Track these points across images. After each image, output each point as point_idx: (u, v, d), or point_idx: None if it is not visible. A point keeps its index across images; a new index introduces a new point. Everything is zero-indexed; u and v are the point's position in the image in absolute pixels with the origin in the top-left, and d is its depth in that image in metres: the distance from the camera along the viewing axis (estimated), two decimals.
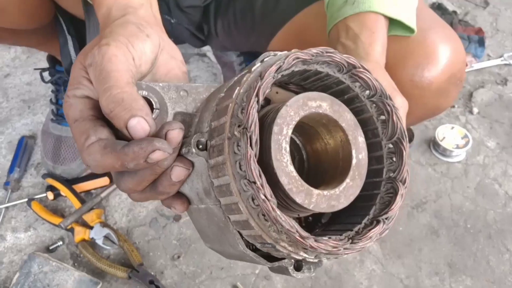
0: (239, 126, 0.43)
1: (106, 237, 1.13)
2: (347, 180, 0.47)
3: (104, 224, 1.16)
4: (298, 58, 0.46)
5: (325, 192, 0.46)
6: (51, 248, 1.15)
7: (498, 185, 1.40)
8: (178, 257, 1.13)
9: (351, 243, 0.45)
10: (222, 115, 0.45)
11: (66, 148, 1.26)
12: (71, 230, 1.15)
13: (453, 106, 1.62)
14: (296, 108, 0.47)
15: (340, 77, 0.50)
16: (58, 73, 1.28)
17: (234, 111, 0.44)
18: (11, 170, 1.27)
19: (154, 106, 0.50)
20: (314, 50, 0.47)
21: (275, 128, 0.45)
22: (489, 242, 1.26)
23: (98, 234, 1.14)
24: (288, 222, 0.42)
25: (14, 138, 1.36)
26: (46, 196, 1.22)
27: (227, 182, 0.44)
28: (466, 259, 1.23)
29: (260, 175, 0.42)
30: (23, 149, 1.31)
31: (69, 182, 1.21)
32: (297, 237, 0.43)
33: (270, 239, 0.44)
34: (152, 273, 1.09)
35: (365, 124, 0.52)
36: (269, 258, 0.49)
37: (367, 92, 0.51)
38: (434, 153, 1.45)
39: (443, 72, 0.86)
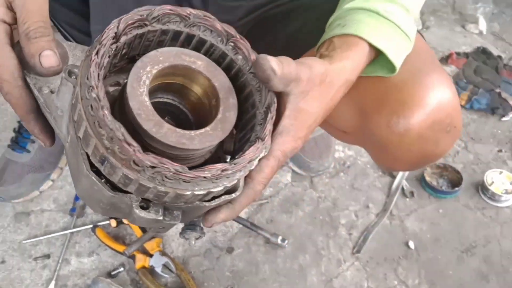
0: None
1: (165, 266, 1.19)
2: (207, 128, 0.50)
3: (163, 253, 1.22)
4: (171, 10, 0.50)
5: (178, 130, 0.47)
6: (112, 273, 1.21)
7: None
8: None
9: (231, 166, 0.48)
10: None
11: (9, 172, 1.36)
12: (132, 257, 1.22)
13: (500, 150, 1.63)
14: (167, 56, 0.49)
15: (224, 49, 0.54)
16: None
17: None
18: (77, 197, 1.36)
19: None
20: (191, 10, 0.52)
21: (138, 63, 0.47)
22: None
23: (157, 262, 1.20)
24: (114, 123, 0.43)
25: None
26: (109, 223, 1.30)
27: (76, 93, 0.47)
28: None
29: (98, 78, 0.44)
30: None
31: None
32: (123, 143, 0.43)
33: (104, 149, 0.45)
34: None
35: (247, 99, 0.56)
36: (115, 189, 0.49)
37: (248, 66, 0.54)
38: (483, 197, 1.46)
39: (424, 119, 0.82)
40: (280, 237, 1.26)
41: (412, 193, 1.45)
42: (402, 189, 1.45)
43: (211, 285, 1.19)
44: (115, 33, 0.48)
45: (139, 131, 0.46)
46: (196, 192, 0.48)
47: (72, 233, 1.31)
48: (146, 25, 0.50)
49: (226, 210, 0.60)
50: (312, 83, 0.62)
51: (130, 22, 0.49)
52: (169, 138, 0.46)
